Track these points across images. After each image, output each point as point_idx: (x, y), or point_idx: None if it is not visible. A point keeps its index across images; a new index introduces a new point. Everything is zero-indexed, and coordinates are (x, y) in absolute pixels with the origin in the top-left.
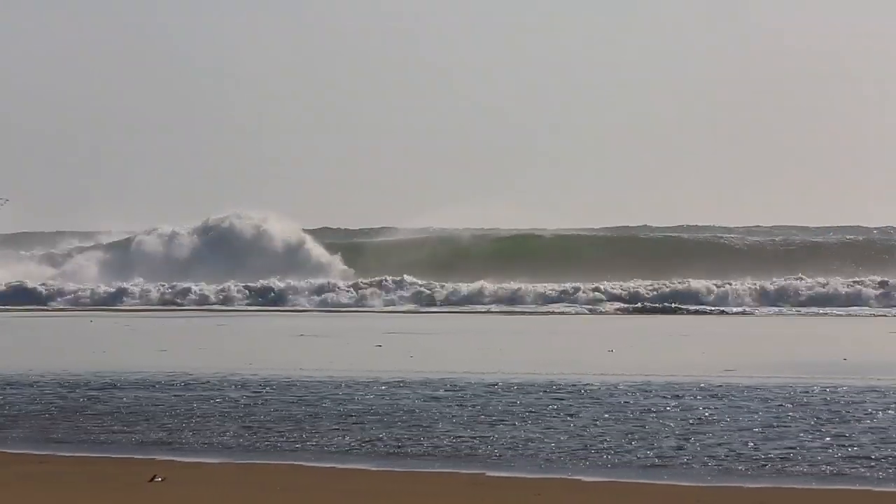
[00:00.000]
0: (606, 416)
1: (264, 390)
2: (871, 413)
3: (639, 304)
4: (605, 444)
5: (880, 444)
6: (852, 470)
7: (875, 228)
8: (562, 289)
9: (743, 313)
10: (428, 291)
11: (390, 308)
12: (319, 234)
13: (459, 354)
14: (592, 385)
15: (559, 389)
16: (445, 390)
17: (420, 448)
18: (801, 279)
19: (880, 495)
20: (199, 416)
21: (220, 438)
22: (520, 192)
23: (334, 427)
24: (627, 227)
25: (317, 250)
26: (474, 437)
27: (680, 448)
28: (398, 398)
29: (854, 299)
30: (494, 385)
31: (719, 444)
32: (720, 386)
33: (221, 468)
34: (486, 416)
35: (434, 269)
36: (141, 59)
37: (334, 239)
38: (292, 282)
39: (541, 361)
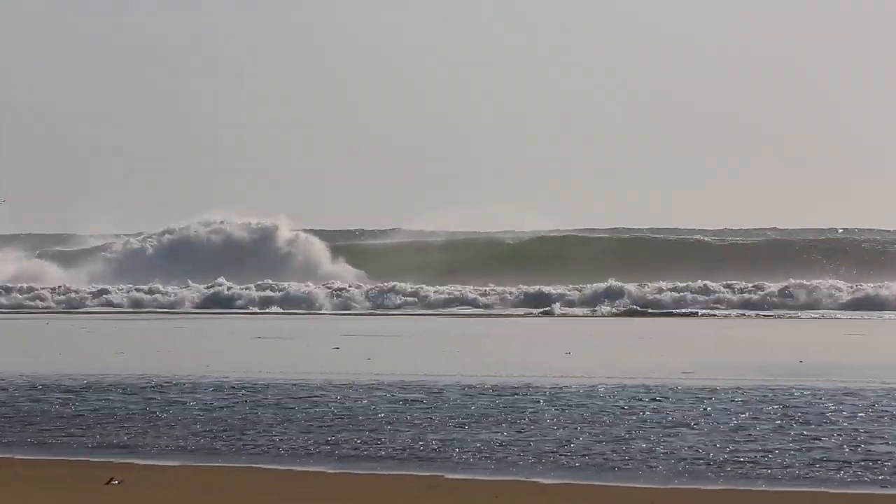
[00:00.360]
0: (567, 417)
1: (224, 393)
2: (826, 415)
3: (608, 307)
4: (566, 446)
5: (837, 446)
6: (810, 472)
7: (841, 229)
8: (522, 291)
9: (705, 315)
10: (389, 293)
11: (356, 311)
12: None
13: (416, 357)
14: (552, 387)
15: (518, 392)
16: (404, 392)
17: (380, 450)
18: (764, 283)
19: (835, 497)
20: (158, 419)
21: (179, 441)
22: (499, 195)
23: (294, 430)
24: (596, 228)
25: (284, 246)
26: (434, 440)
27: (640, 450)
28: (357, 400)
29: (817, 301)
30: (455, 387)
31: (678, 446)
32: (680, 388)
33: (179, 471)
34: (446, 419)
35: (406, 271)
36: (140, 59)
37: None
38: (238, 284)
39: (499, 364)
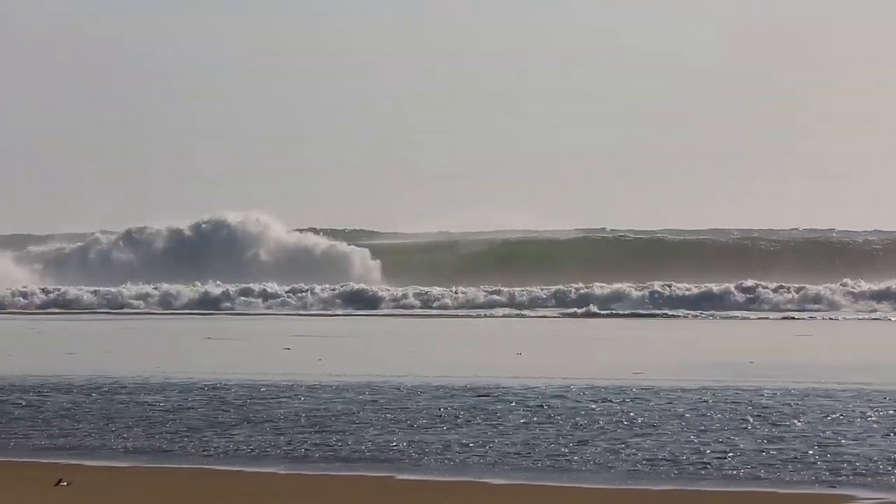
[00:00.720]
0: (521, 418)
1: (175, 394)
2: (779, 415)
3: (566, 308)
4: (518, 447)
5: (790, 446)
6: (761, 472)
7: (805, 228)
8: (483, 292)
9: (665, 316)
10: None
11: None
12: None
13: (368, 357)
14: (509, 387)
15: (476, 392)
16: (359, 393)
17: (333, 452)
18: (725, 283)
19: (785, 497)
20: (107, 420)
21: (130, 442)
22: (469, 197)
23: (248, 430)
24: (562, 230)
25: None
26: (388, 441)
27: (592, 450)
28: (311, 401)
29: (777, 303)
30: (410, 388)
31: (632, 447)
32: (631, 389)
33: (129, 472)
34: (400, 420)
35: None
36: (113, 58)
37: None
38: (179, 285)
39: (450, 365)
